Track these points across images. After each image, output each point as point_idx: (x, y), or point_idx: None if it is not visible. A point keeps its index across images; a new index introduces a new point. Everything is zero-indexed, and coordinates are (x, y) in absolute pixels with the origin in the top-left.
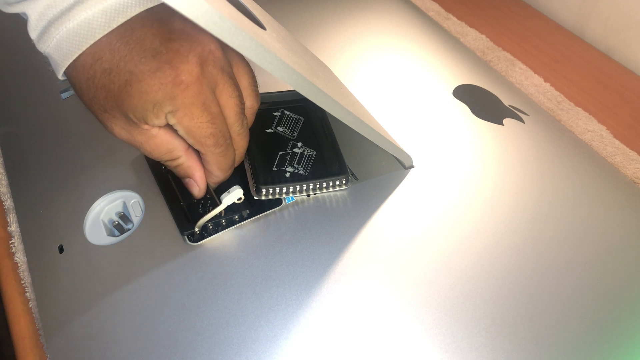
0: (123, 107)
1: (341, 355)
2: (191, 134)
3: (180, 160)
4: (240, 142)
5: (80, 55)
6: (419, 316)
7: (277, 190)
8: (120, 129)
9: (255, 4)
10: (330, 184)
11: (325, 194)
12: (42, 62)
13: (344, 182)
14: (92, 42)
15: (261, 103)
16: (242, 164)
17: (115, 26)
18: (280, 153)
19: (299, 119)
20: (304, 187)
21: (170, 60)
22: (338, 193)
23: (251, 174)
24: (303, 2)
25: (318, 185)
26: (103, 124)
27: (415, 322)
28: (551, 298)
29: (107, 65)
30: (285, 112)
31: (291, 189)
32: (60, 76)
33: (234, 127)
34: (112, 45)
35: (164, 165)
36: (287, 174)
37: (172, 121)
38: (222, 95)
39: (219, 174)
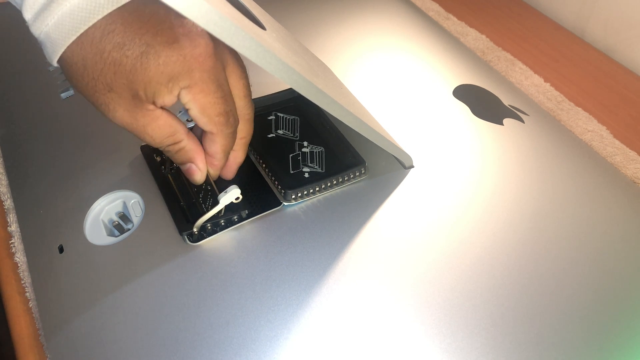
0: (135, 82)
1: (341, 355)
2: (205, 111)
3: (182, 144)
4: (250, 129)
5: (88, 29)
6: (419, 316)
7: (305, 192)
8: (123, 111)
9: (255, 4)
10: (351, 176)
11: (346, 187)
12: (42, 62)
13: (362, 171)
14: (98, 18)
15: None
16: (245, 165)
17: (124, 2)
18: (291, 155)
19: (295, 118)
20: (327, 184)
21: (187, 34)
22: (344, 189)
23: (273, 180)
24: (303, 2)
25: (340, 180)
26: (104, 107)
27: (415, 322)
28: (551, 298)
29: (119, 39)
30: (279, 114)
31: (317, 188)
32: (56, 62)
33: (245, 110)
34: (125, 18)
35: (164, 165)
36: (306, 175)
37: (186, 98)
38: (231, 76)
39: (222, 158)
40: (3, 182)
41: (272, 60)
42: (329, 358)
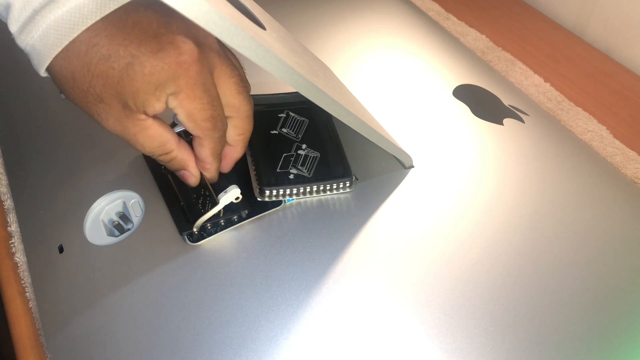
0: (124, 93)
1: (341, 355)
2: (192, 117)
3: (173, 154)
4: (248, 125)
5: (73, 43)
6: (419, 316)
7: (281, 192)
8: (114, 121)
9: (255, 4)
10: (334, 187)
11: (327, 195)
12: None
13: (347, 184)
14: (82, 29)
15: (266, 104)
16: (245, 165)
17: (107, 12)
18: (285, 155)
19: (303, 120)
20: (308, 189)
21: (171, 41)
22: (339, 193)
23: (255, 175)
24: (303, 2)
25: (322, 188)
26: (96, 116)
27: (415, 322)
28: (551, 298)
29: (104, 52)
30: (290, 113)
31: (295, 190)
32: (43, 72)
33: (242, 108)
34: (109, 31)
35: (164, 166)
36: (291, 176)
37: (173, 104)
38: (220, 77)
39: (211, 161)
40: (3, 182)
41: (272, 60)
42: (328, 358)
